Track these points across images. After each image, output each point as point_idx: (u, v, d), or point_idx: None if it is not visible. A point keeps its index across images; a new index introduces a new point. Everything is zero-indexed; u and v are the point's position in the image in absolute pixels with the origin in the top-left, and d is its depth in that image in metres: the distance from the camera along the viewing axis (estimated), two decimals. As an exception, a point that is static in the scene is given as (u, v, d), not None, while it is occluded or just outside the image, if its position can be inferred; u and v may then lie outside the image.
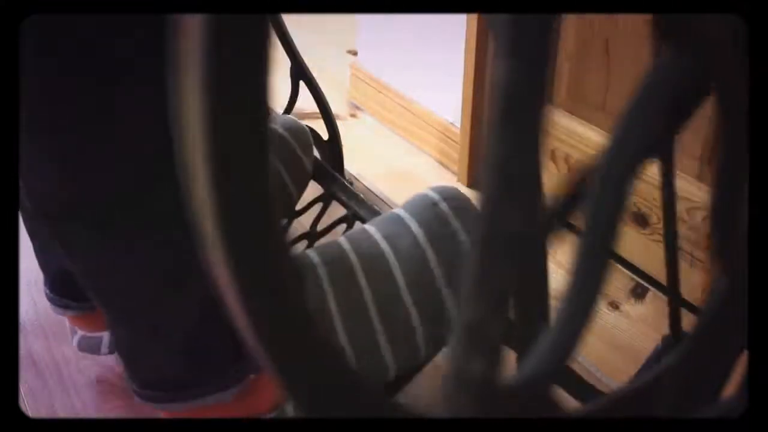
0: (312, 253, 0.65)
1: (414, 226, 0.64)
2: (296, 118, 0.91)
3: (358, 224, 0.83)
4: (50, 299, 0.74)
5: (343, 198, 0.89)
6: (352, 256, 0.63)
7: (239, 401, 0.59)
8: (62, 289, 0.72)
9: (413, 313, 0.62)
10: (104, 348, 0.76)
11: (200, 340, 0.56)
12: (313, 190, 0.90)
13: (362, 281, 0.62)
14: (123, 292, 0.55)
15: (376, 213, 0.83)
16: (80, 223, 0.51)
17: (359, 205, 0.87)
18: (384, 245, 0.64)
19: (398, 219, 0.66)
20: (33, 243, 0.73)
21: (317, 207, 0.90)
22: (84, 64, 0.45)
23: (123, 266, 0.53)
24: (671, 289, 0.37)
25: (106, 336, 0.75)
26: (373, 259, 0.63)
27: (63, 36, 0.43)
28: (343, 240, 0.66)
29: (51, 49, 0.44)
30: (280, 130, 0.85)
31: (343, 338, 0.61)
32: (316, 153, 0.93)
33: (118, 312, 0.57)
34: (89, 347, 0.76)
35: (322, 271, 0.63)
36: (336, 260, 0.63)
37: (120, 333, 0.59)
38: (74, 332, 0.76)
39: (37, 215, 0.54)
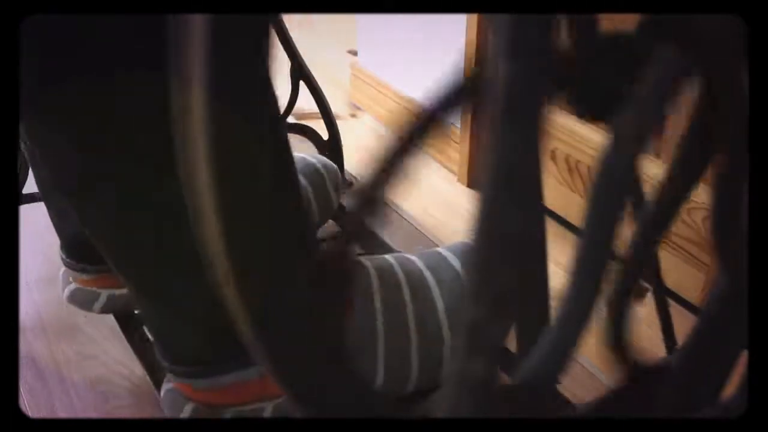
0: (363, 260, 0.68)
1: (456, 264, 0.69)
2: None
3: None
4: (66, 264, 0.74)
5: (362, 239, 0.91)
6: (399, 273, 0.67)
7: (265, 381, 0.59)
8: (79, 253, 0.72)
9: (446, 335, 0.65)
10: (98, 305, 0.74)
11: (220, 318, 0.56)
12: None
13: (407, 296, 0.66)
14: (140, 269, 0.56)
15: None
16: (96, 201, 0.52)
17: (378, 247, 0.89)
18: (427, 273, 0.68)
19: (440, 255, 0.70)
20: (48, 207, 0.73)
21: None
22: (89, 55, 0.45)
23: (138, 246, 0.54)
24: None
25: (104, 293, 0.74)
26: (417, 280, 0.67)
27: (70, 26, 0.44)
28: (389, 257, 0.70)
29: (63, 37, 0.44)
30: (318, 165, 0.91)
31: (380, 335, 0.64)
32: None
33: (137, 286, 0.58)
34: (82, 301, 0.74)
35: (372, 273, 0.66)
36: (386, 270, 0.67)
37: (143, 307, 0.60)
38: (67, 283, 0.75)
39: (55, 186, 0.54)
